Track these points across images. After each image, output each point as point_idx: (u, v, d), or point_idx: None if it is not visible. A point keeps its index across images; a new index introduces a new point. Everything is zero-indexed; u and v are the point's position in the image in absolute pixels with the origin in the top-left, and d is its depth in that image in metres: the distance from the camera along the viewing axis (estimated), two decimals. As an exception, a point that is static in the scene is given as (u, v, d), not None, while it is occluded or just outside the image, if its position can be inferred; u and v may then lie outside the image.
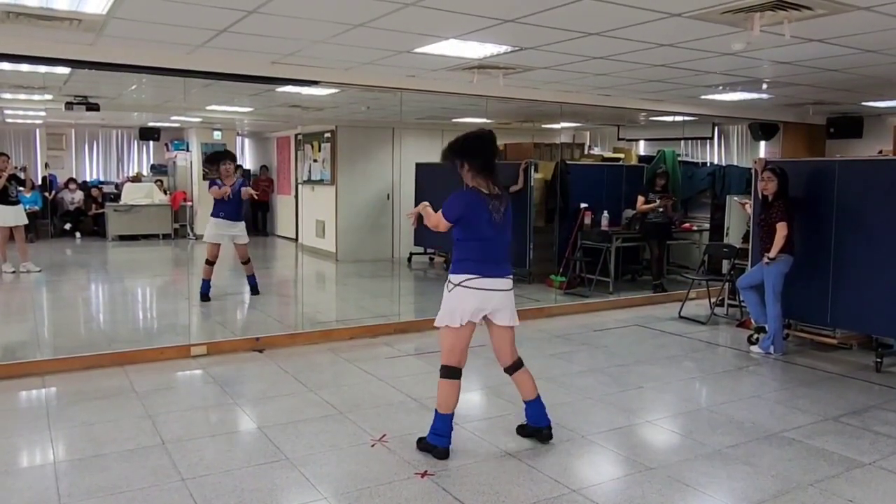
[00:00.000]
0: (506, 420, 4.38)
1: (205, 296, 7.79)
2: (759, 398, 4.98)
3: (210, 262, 7.79)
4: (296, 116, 11.26)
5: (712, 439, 4.12)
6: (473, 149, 3.73)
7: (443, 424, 3.79)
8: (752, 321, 6.50)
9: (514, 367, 3.98)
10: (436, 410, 3.82)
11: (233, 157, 8.07)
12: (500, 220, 3.76)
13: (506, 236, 3.84)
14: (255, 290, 8.13)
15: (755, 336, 6.34)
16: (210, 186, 7.81)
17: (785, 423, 4.40)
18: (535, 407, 3.99)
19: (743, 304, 7.07)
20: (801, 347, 6.40)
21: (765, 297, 6.06)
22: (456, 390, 3.80)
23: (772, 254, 5.90)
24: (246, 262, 8.05)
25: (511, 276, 3.90)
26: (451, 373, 3.80)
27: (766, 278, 6.02)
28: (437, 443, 3.79)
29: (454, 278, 3.75)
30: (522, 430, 4.09)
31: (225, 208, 7.73)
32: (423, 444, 3.86)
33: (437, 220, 3.82)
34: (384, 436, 4.07)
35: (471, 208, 3.70)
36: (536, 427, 4.01)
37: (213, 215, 7.82)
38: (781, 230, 5.86)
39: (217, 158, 7.91)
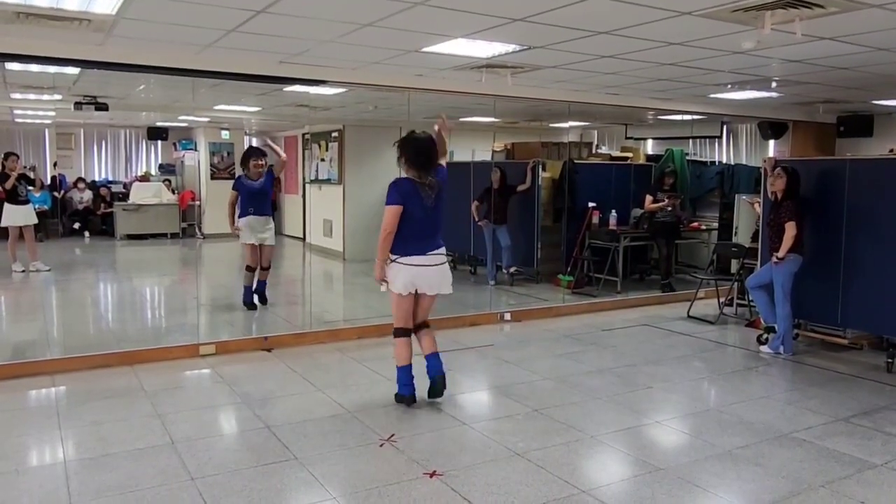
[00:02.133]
0: (514, 420, 4.37)
1: (249, 304, 7.34)
2: (769, 399, 4.95)
3: (251, 269, 7.31)
4: (303, 116, 11.26)
5: (722, 440, 4.09)
6: (408, 146, 4.49)
7: (404, 375, 4.57)
8: (762, 321, 6.47)
9: (423, 326, 4.69)
10: (396, 367, 4.58)
11: (264, 153, 7.50)
12: (431, 204, 4.46)
13: (437, 218, 4.53)
14: (262, 299, 7.55)
15: (765, 336, 6.31)
16: (233, 189, 7.35)
17: (795, 424, 4.38)
18: (434, 359, 4.62)
19: (752, 303, 7.04)
20: (812, 348, 6.36)
21: (774, 297, 6.03)
22: (408, 346, 4.58)
23: (780, 253, 5.86)
24: (267, 267, 7.48)
25: (442, 251, 4.56)
26: (402, 332, 4.58)
27: (775, 278, 5.98)
28: (403, 391, 4.58)
29: (392, 255, 4.45)
30: (432, 387, 4.62)
31: (254, 204, 7.21)
32: (396, 398, 4.61)
33: (387, 220, 4.39)
34: (392, 435, 4.06)
35: (407, 194, 4.40)
36: (435, 375, 4.60)
37: (242, 216, 7.24)
38: (790, 230, 5.82)
39: (250, 155, 7.34)
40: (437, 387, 4.59)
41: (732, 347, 6.57)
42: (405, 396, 4.56)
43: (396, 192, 4.40)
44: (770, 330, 6.25)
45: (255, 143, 16.36)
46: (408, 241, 4.41)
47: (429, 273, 4.47)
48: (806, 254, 5.96)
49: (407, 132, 4.61)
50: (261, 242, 7.29)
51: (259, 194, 7.25)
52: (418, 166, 4.44)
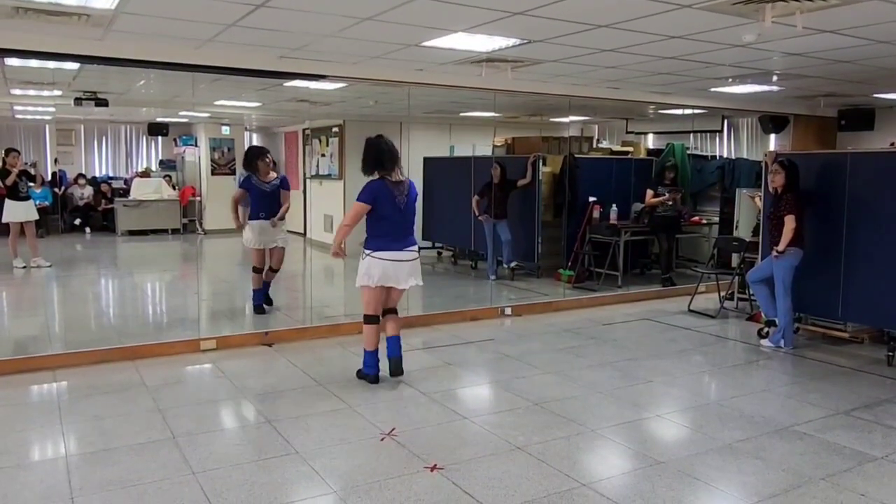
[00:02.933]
0: (515, 414, 4.38)
1: (259, 308, 7.07)
2: (770, 392, 4.96)
3: (258, 270, 7.00)
4: (303, 111, 11.26)
5: (722, 434, 4.10)
6: (370, 150, 4.79)
7: (370, 358, 4.91)
8: (763, 315, 6.47)
9: (391, 311, 4.97)
10: (364, 349, 4.90)
11: (268, 150, 7.10)
12: (403, 203, 4.75)
13: (408, 216, 4.83)
14: (268, 300, 7.24)
15: (765, 330, 6.31)
16: (240, 186, 7.01)
17: (796, 418, 4.38)
18: (393, 342, 4.93)
19: (753, 297, 7.04)
20: (812, 341, 6.36)
21: (775, 291, 6.03)
22: (377, 332, 4.89)
23: (780, 247, 5.86)
24: (276, 269, 7.13)
25: (414, 248, 4.87)
26: (372, 319, 4.87)
27: (775, 272, 5.98)
28: (368, 372, 4.92)
29: (366, 250, 4.77)
30: (390, 367, 4.93)
31: (265, 208, 6.83)
32: (359, 374, 4.98)
33: (351, 214, 4.77)
34: (393, 429, 4.07)
35: (380, 193, 4.70)
36: (391, 356, 4.91)
37: (251, 218, 6.85)
38: (789, 223, 5.81)
39: (257, 154, 6.94)
40: (394, 367, 4.93)
41: (733, 341, 6.58)
42: (368, 375, 4.93)
43: (368, 191, 4.72)
44: (771, 324, 6.25)
45: (255, 139, 16.40)
46: (382, 237, 4.74)
47: (402, 267, 4.79)
48: (806, 247, 5.95)
49: (373, 135, 4.89)
50: (273, 246, 6.95)
51: (270, 197, 6.87)
52: (389, 166, 4.73)
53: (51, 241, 12.53)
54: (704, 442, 3.98)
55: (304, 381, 5.05)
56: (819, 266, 6.07)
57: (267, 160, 6.91)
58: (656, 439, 4.12)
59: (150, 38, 5.20)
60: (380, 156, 4.74)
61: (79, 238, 13.69)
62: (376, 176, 4.77)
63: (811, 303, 6.27)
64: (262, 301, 7.08)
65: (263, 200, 6.84)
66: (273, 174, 6.96)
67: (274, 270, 7.12)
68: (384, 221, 4.72)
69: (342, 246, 4.85)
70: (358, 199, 4.72)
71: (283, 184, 7.03)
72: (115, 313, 7.72)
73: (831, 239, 6.03)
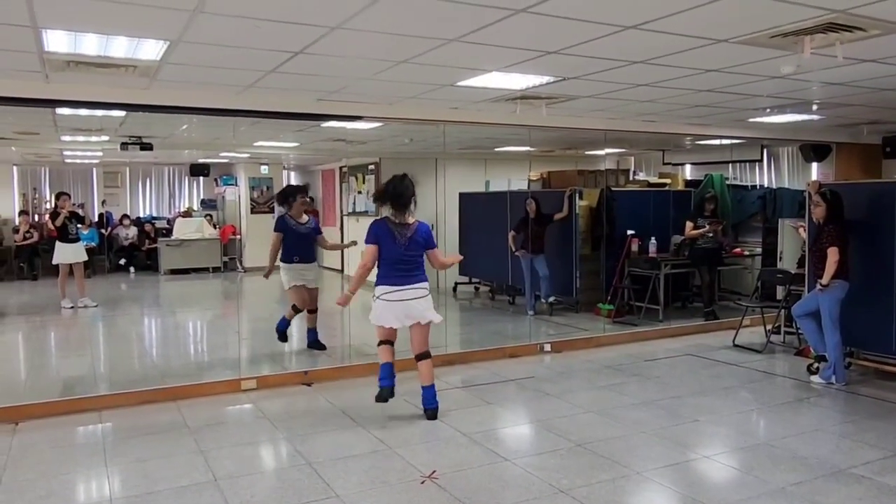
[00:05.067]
0: (557, 455, 4.29)
1: (282, 334, 7.04)
2: (823, 432, 4.77)
3: (298, 309, 6.94)
4: (340, 150, 11.45)
5: (775, 476, 3.95)
6: (386, 188, 4.97)
7: (385, 370, 5.02)
8: (812, 349, 6.27)
9: (421, 356, 5.02)
10: (380, 363, 5.04)
11: (306, 189, 7.17)
12: (406, 242, 4.89)
13: (413, 254, 4.93)
14: (317, 345, 7.15)
15: (815, 365, 6.11)
16: (275, 230, 6.91)
17: (852, 459, 4.20)
18: (429, 391, 5.03)
19: (800, 331, 6.83)
20: (865, 377, 6.13)
21: (822, 325, 5.85)
22: (390, 350, 5.04)
23: (824, 280, 5.69)
24: (314, 310, 7.09)
25: (421, 286, 4.95)
26: (385, 342, 5.04)
27: (821, 306, 5.80)
28: (382, 384, 5.00)
29: (376, 291, 4.95)
30: (426, 414, 5.05)
31: (299, 252, 6.82)
32: (377, 397, 5.02)
33: (365, 257, 4.89)
34: (434, 472, 4.02)
35: (380, 232, 4.89)
36: (426, 407, 5.03)
37: (284, 260, 6.80)
38: (833, 255, 5.65)
39: (295, 192, 6.91)
40: (429, 416, 5.01)
41: (781, 377, 6.37)
42: (383, 388, 5.00)
43: (370, 232, 4.93)
44: (821, 359, 6.05)
45: (293, 177, 16.71)
46: (386, 275, 4.91)
47: (411, 306, 4.91)
48: (852, 279, 5.77)
49: (398, 174, 5.04)
50: (305, 284, 6.93)
51: (305, 239, 6.87)
52: (397, 207, 4.91)
53: (97, 280, 12.86)
54: (756, 485, 3.84)
55: (343, 421, 5.04)
56: (870, 298, 5.88)
57: (304, 199, 6.95)
58: (705, 482, 3.98)
59: (193, 86, 5.36)
60: (387, 197, 4.94)
61: (123, 277, 14.03)
62: (381, 215, 5.02)
63: (863, 337, 6.06)
64: (285, 328, 7.07)
65: (298, 243, 6.84)
66: (306, 217, 6.98)
67: (312, 312, 7.13)
68: (387, 260, 4.89)
69: (352, 293, 5.01)
70: (365, 242, 4.94)
71: (317, 225, 7.09)
72: (158, 353, 7.84)
73: (881, 270, 5.84)
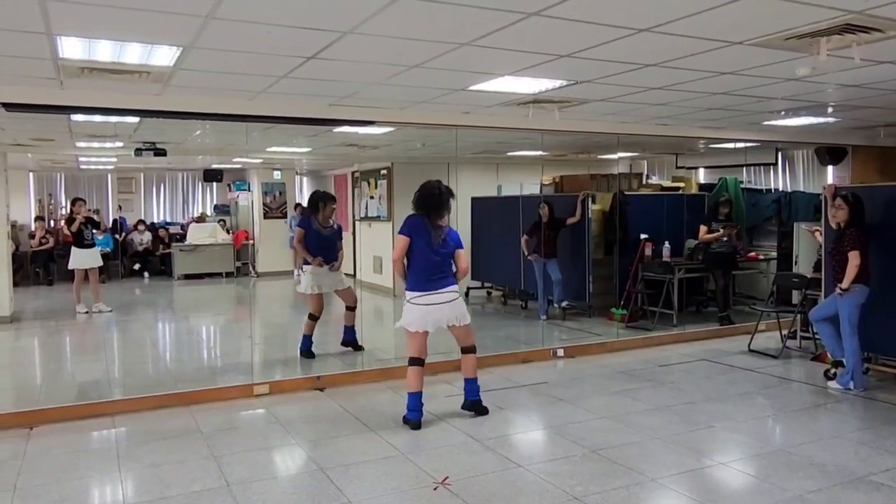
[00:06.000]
0: (571, 462, 4.25)
1: (307, 352, 6.97)
2: (841, 438, 4.70)
3: (314, 318, 6.96)
4: (352, 155, 11.47)
5: (792, 484, 3.89)
6: (423, 190, 4.97)
7: (412, 401, 4.90)
8: (829, 355, 6.19)
9: (467, 350, 5.09)
10: (407, 393, 4.94)
11: (335, 198, 7.12)
12: (438, 244, 4.87)
13: (444, 257, 4.92)
14: (354, 344, 7.22)
15: (832, 371, 6.03)
16: (299, 226, 6.97)
17: (871, 466, 4.13)
18: (471, 384, 5.13)
19: (817, 336, 6.75)
20: (884, 383, 6.05)
21: (840, 330, 5.77)
22: (419, 374, 4.91)
23: (844, 284, 5.62)
24: (352, 307, 7.14)
25: (452, 289, 4.95)
26: (415, 361, 4.92)
27: (840, 310, 5.73)
28: (410, 417, 4.90)
29: (406, 295, 4.93)
30: (463, 405, 5.16)
31: (322, 254, 6.82)
32: (404, 420, 4.93)
33: (395, 248, 4.90)
34: (447, 478, 3.99)
35: (416, 228, 4.86)
36: (471, 399, 5.12)
37: (308, 263, 6.84)
38: (854, 259, 5.58)
39: (325, 198, 6.93)
40: (474, 409, 5.10)
41: (798, 383, 6.30)
42: (411, 421, 4.90)
43: (406, 224, 4.92)
44: (838, 364, 5.97)
45: (306, 182, 16.77)
46: (418, 277, 4.88)
47: (441, 310, 4.89)
48: (872, 284, 5.70)
49: (431, 180, 5.05)
50: (334, 289, 7.04)
51: (328, 242, 6.90)
52: (433, 211, 4.89)
53: (111, 286, 12.94)
54: (773, 493, 3.79)
55: (355, 426, 5.02)
56: (889, 302, 5.79)
57: (332, 207, 6.93)
58: (721, 490, 3.93)
59: (206, 92, 5.38)
60: (425, 201, 4.94)
61: (138, 283, 14.12)
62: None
63: (881, 342, 5.98)
64: (309, 346, 7.05)
65: (321, 245, 6.85)
66: (330, 221, 7.00)
67: (351, 309, 7.16)
68: (418, 257, 4.86)
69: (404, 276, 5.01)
70: (399, 233, 4.95)
71: (340, 230, 7.15)
72: (171, 358, 7.87)
73: (900, 274, 5.76)
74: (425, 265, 4.85)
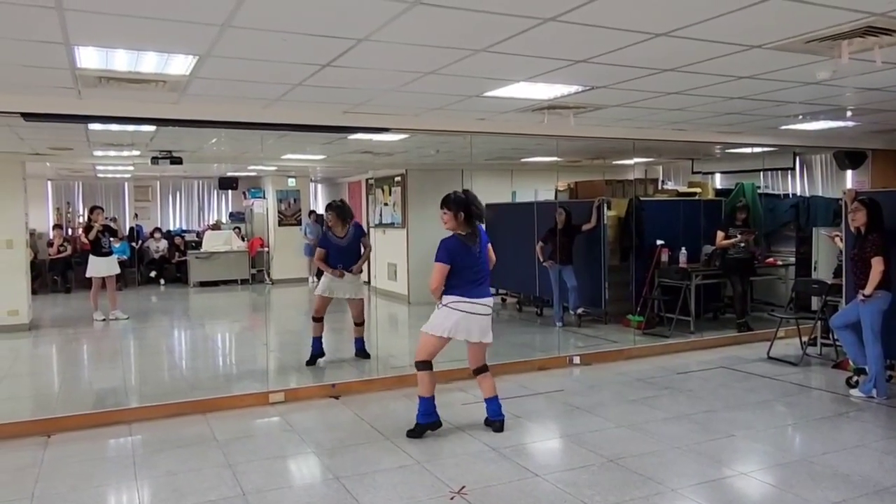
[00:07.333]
0: (589, 471, 4.20)
1: (315, 357, 7.10)
2: (865, 447, 4.61)
3: (317, 319, 7.09)
4: (367, 162, 11.49)
5: (815, 494, 3.82)
6: (460, 203, 4.83)
7: (426, 405, 4.86)
8: (851, 362, 6.09)
9: (479, 370, 5.01)
10: (419, 396, 4.88)
11: (330, 205, 7.23)
12: (478, 252, 4.84)
13: (484, 264, 4.90)
14: (361, 353, 7.31)
15: (854, 378, 5.93)
16: (320, 246, 7.12)
17: (897, 477, 4.06)
18: (493, 403, 5.01)
19: (837, 342, 6.65)
20: (907, 390, 5.95)
21: (863, 337, 5.67)
22: (432, 377, 4.88)
23: (867, 291, 5.53)
24: (360, 322, 7.23)
25: (490, 303, 4.90)
26: (425, 365, 4.86)
27: (862, 317, 5.64)
28: (426, 420, 4.85)
29: (444, 299, 4.80)
30: (486, 422, 5.04)
31: (342, 261, 6.94)
32: (416, 429, 4.85)
33: (434, 277, 4.75)
34: (463, 487, 3.95)
35: (455, 250, 4.77)
36: (493, 419, 4.99)
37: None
38: (877, 265, 5.50)
39: (325, 212, 7.27)
40: (495, 429, 4.95)
41: (819, 391, 6.20)
42: (429, 424, 4.87)
43: (444, 250, 4.76)
44: (860, 372, 5.88)
45: (320, 190, 16.83)
46: (459, 286, 4.78)
47: (475, 321, 4.80)
48: (894, 289, 5.60)
49: (461, 190, 4.98)
50: (345, 297, 7.08)
51: (346, 251, 6.99)
52: (468, 220, 4.81)
53: (128, 293, 13.02)
54: (796, 504, 3.72)
55: (371, 434, 5.00)
56: (911, 309, 5.69)
57: (330, 215, 7.12)
58: (743, 500, 3.86)
59: (222, 100, 5.40)
60: (469, 209, 4.83)
61: (154, 290, 14.19)
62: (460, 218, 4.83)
63: (904, 349, 5.87)
64: (320, 349, 7.16)
65: (340, 253, 6.98)
66: (342, 230, 7.07)
67: (358, 324, 7.25)
68: (462, 272, 4.77)
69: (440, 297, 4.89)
70: (436, 260, 4.77)
71: (359, 231, 7.17)
72: (187, 365, 7.89)
73: (923, 280, 5.66)
74: (470, 275, 4.80)
